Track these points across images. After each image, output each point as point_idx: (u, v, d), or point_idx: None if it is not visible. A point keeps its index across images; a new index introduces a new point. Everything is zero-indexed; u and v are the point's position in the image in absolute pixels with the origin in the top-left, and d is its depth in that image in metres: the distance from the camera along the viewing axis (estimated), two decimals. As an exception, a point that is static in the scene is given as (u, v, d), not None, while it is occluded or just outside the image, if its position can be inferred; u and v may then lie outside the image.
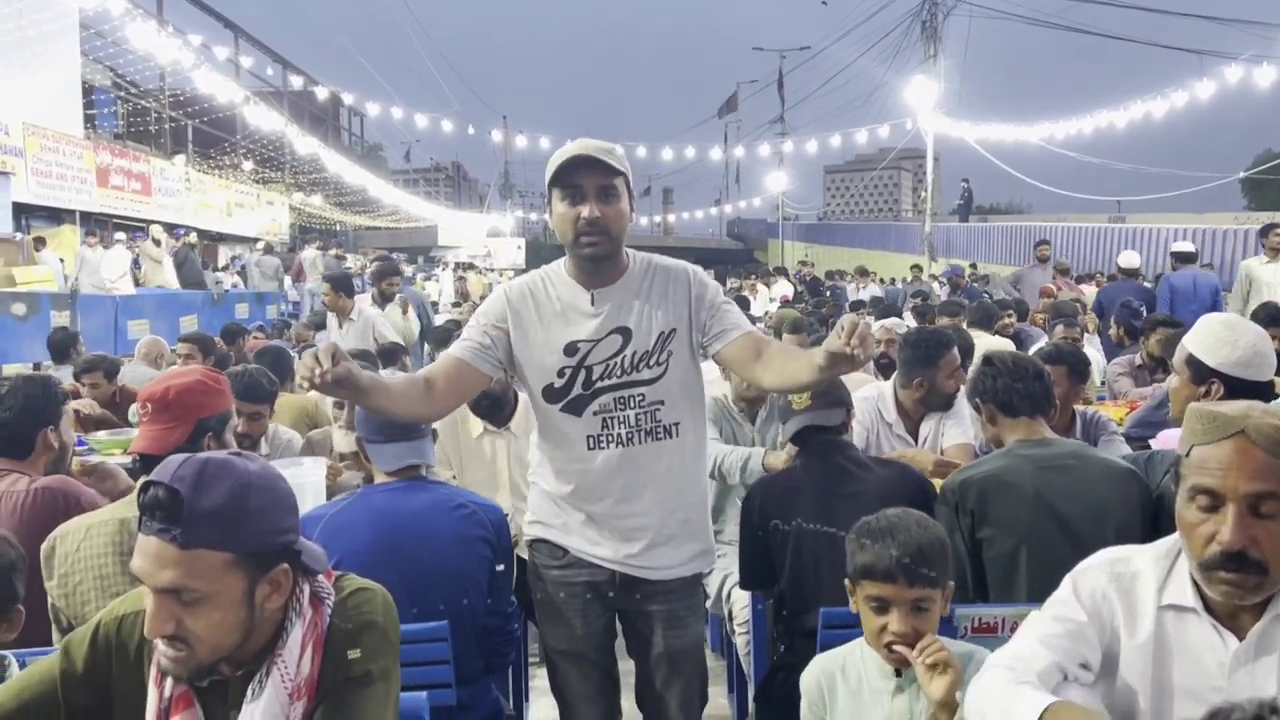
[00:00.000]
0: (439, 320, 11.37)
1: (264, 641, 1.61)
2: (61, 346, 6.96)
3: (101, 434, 4.56)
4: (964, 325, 6.41)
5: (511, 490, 3.71)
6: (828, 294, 16.34)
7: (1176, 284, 9.01)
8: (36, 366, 9.22)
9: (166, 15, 23.25)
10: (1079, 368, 3.74)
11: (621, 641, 2.60)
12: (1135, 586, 1.68)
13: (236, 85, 23.54)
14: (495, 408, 3.72)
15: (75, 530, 2.35)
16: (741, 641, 3.45)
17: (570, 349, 2.36)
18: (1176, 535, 1.68)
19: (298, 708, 1.59)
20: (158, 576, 1.51)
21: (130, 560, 1.57)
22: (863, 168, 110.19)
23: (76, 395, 5.08)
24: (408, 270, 25.43)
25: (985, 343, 5.95)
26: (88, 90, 21.43)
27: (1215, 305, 8.80)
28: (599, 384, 2.35)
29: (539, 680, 3.28)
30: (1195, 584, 1.62)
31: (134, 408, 3.73)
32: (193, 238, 18.28)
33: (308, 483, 3.03)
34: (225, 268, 21.52)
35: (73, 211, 18.39)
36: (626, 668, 2.60)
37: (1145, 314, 6.64)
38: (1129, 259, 10.10)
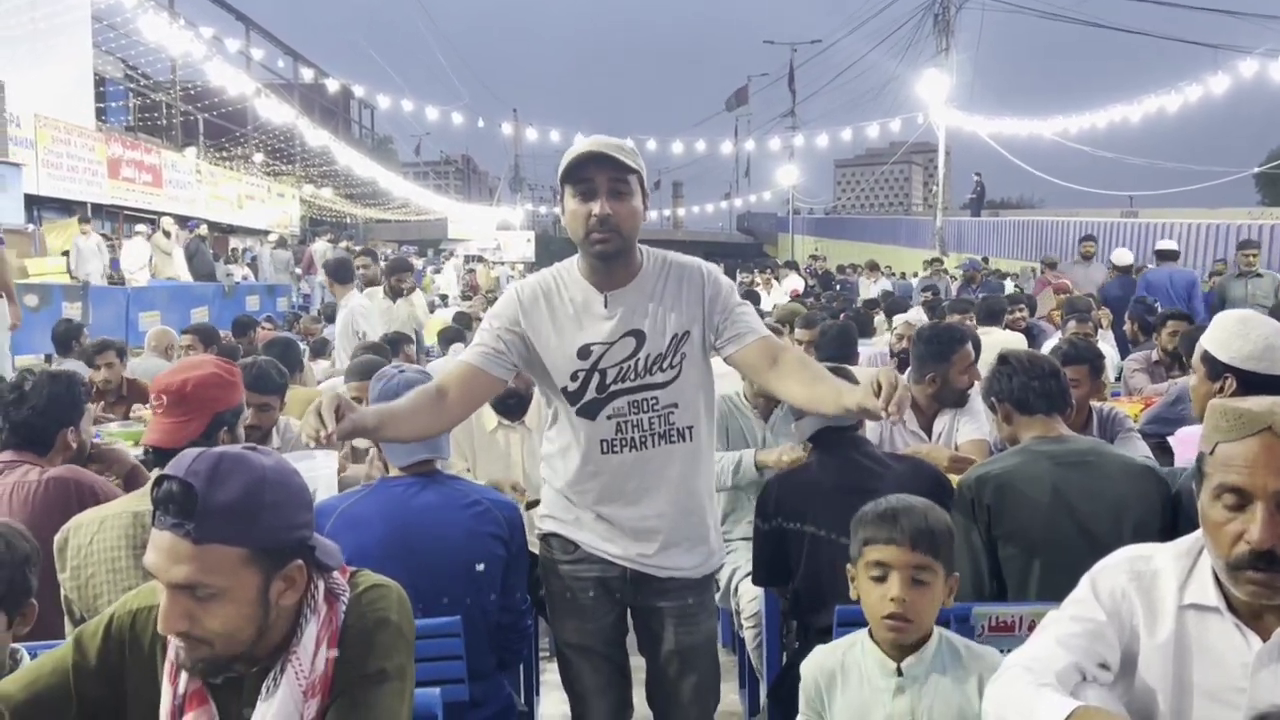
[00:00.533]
0: (448, 313, 11.38)
1: (279, 638, 1.60)
2: (65, 339, 6.98)
3: (113, 425, 4.57)
4: (971, 321, 6.40)
5: (525, 484, 3.71)
6: (838, 288, 16.27)
7: (1153, 279, 9.70)
8: (49, 358, 9.26)
9: (178, 7, 23.30)
10: (1098, 365, 3.72)
11: (634, 637, 2.59)
12: (1156, 585, 1.66)
13: (247, 77, 23.55)
14: (520, 405, 3.78)
15: (89, 522, 2.34)
16: (750, 635, 3.44)
17: (583, 352, 2.34)
18: (1197, 533, 1.65)
19: (311, 705, 1.58)
20: (171, 572, 1.49)
21: (143, 554, 1.56)
22: (873, 162, 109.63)
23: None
24: (418, 263, 25.46)
25: (995, 338, 5.93)
26: (99, 82, 21.48)
27: (1191, 299, 9.43)
28: (613, 387, 2.33)
29: (550, 674, 3.28)
30: (1217, 583, 1.60)
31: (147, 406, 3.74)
32: (203, 230, 18.30)
33: (320, 476, 3.03)
34: (235, 259, 21.55)
35: (84, 203, 18.45)
36: (639, 662, 2.59)
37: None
38: (1122, 256, 10.65)
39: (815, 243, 42.74)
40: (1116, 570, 1.70)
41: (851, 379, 2.91)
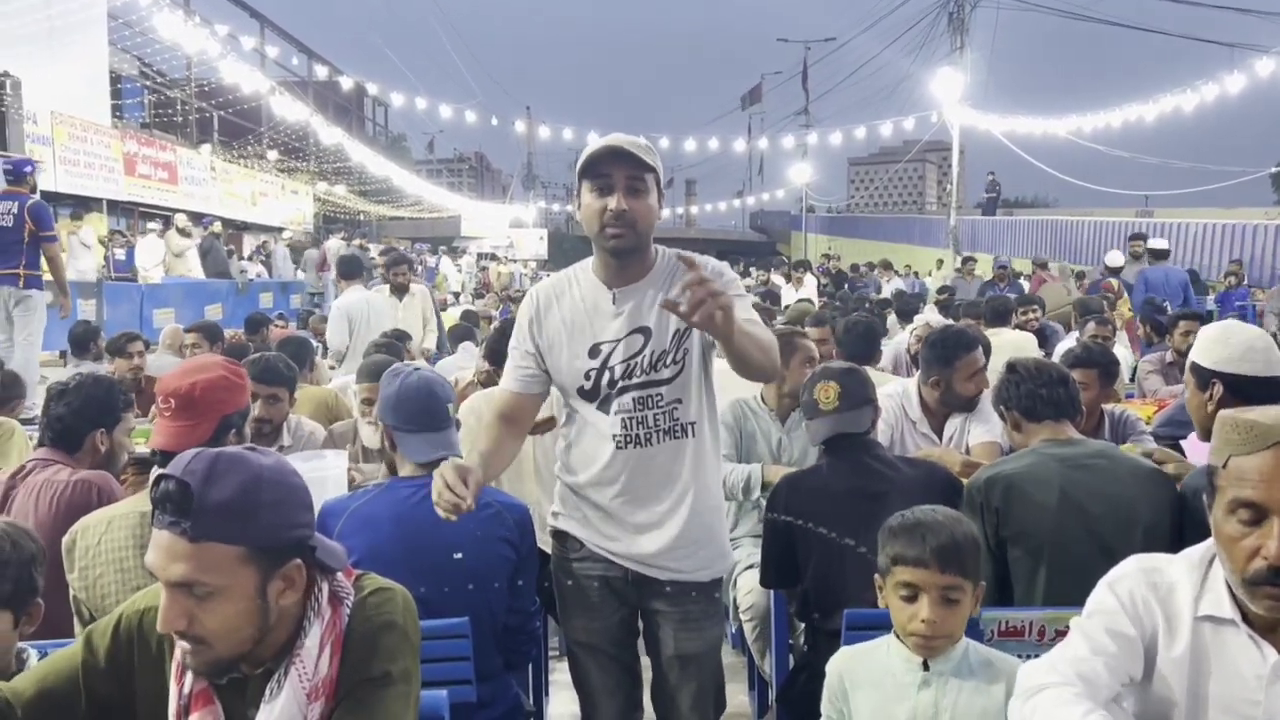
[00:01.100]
0: (457, 311, 11.36)
1: (283, 640, 1.61)
2: (82, 340, 7.01)
3: (140, 424, 4.60)
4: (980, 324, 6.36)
5: (537, 480, 3.71)
6: (847, 287, 16.21)
7: (1150, 277, 10.16)
8: (63, 355, 9.30)
9: (193, 5, 23.41)
10: (1110, 369, 3.69)
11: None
12: (1172, 598, 1.64)
13: (262, 75, 23.62)
14: None
15: (96, 523, 2.35)
16: (749, 629, 3.44)
17: (594, 351, 2.36)
18: (1207, 543, 1.64)
19: (315, 708, 1.58)
20: (169, 570, 1.50)
21: None
22: (887, 160, 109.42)
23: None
24: (430, 260, 25.48)
25: (1005, 339, 5.91)
26: (115, 80, 21.62)
27: (1186, 297, 9.93)
28: (621, 383, 2.34)
29: (560, 674, 3.27)
30: (1232, 594, 1.58)
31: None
32: (218, 227, 18.37)
33: (330, 475, 3.02)
34: (250, 256, 21.63)
35: (100, 200, 18.55)
36: (650, 663, 2.58)
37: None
38: (1113, 258, 11.15)
39: (829, 241, 42.63)
40: (1135, 580, 1.67)
41: (867, 385, 2.90)
